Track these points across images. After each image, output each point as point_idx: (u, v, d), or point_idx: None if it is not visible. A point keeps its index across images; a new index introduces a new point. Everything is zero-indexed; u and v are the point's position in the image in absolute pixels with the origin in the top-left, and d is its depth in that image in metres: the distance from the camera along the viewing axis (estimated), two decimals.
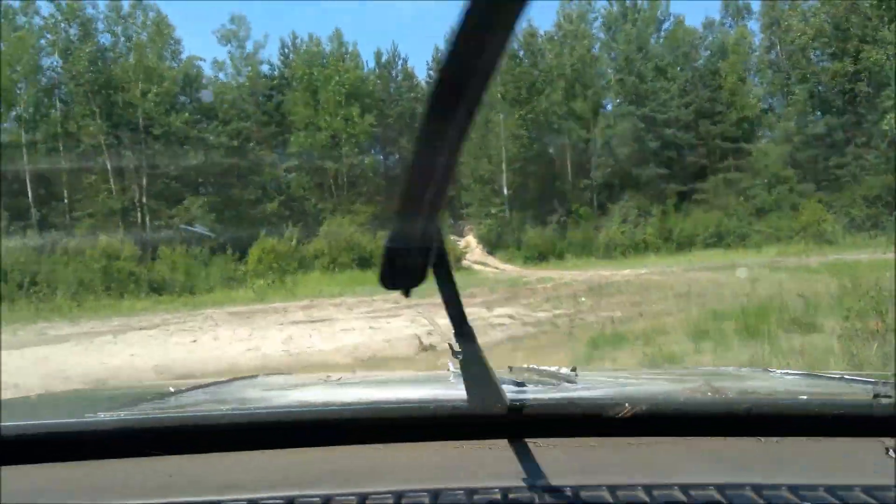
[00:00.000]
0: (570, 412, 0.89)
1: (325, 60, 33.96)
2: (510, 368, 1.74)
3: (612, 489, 0.70)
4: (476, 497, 0.70)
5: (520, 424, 0.87)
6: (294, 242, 27.27)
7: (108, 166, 28.13)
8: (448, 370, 1.67)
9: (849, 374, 1.41)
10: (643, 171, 35.44)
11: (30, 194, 26.06)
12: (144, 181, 28.20)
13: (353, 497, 0.70)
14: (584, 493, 0.70)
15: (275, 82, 35.40)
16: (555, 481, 0.73)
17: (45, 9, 29.19)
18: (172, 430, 0.89)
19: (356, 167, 33.62)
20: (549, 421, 0.88)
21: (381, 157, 38.07)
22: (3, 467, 0.81)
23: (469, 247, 32.62)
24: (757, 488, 0.70)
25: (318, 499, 0.70)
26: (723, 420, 0.90)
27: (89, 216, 26.45)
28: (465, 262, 29.47)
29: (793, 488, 0.70)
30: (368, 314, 14.51)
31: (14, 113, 28.01)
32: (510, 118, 34.50)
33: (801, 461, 0.81)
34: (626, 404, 0.85)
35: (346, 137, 32.27)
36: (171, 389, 1.44)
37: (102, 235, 24.69)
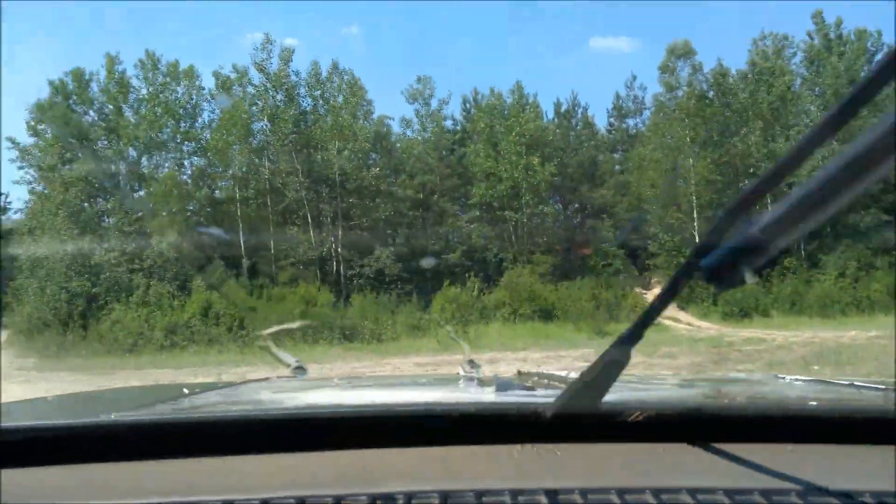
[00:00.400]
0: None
1: (506, 112, 34.31)
2: (519, 373, 1.85)
3: (620, 492, 0.71)
4: (485, 499, 0.71)
5: (528, 428, 0.86)
6: (475, 292, 27.36)
7: (309, 218, 30.38)
8: (458, 374, 1.75)
9: (859, 381, 1.38)
10: (862, 218, 31.08)
11: (242, 245, 28.69)
12: (340, 232, 29.95)
13: (363, 497, 0.71)
14: (591, 497, 0.71)
15: (457, 136, 36.43)
16: (563, 484, 0.73)
17: (256, 78, 32.59)
18: (186, 431, 0.89)
19: (536, 216, 33.18)
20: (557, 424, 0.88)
21: (561, 207, 37.33)
22: (18, 468, 0.81)
23: None
24: (765, 493, 0.71)
25: (329, 499, 0.71)
26: (732, 425, 0.90)
27: (291, 265, 28.46)
28: None
29: (802, 494, 0.71)
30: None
31: (230, 172, 31.30)
32: (701, 162, 32.21)
33: (811, 467, 0.80)
34: (636, 409, 0.85)
35: (527, 187, 32.05)
36: (186, 391, 1.46)
37: (302, 282, 26.43)
